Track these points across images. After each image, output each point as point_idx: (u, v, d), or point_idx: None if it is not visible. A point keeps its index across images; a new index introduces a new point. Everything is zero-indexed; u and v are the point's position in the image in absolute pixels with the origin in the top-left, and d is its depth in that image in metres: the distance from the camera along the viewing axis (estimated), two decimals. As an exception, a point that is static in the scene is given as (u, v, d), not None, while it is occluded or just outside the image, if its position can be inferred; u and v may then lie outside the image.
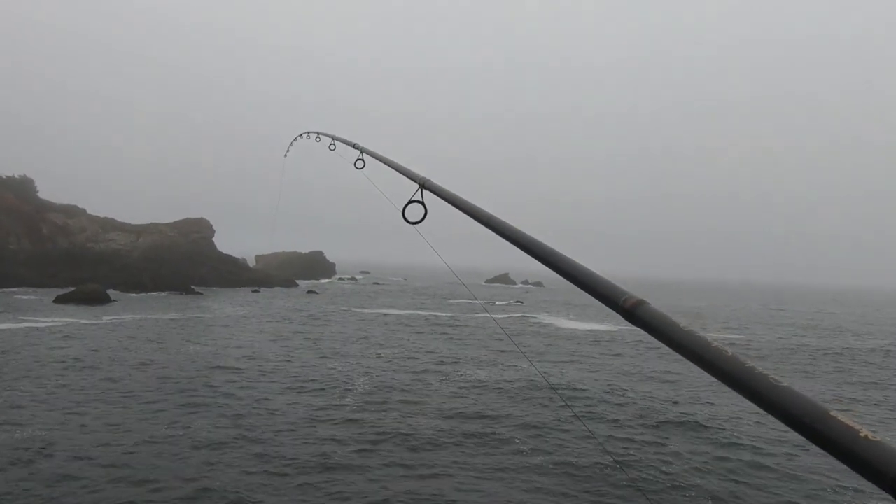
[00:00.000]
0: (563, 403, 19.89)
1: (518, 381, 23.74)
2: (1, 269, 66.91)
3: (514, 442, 16.16)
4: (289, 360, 27.34)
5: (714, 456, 15.66)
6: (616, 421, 18.68)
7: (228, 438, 15.59)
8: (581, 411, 19.63)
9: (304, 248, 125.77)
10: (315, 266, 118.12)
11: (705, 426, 18.22)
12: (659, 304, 1.34)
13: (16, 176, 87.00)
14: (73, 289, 54.99)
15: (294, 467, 13.77)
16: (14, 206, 79.10)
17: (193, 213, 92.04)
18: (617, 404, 20.73)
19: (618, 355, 33.55)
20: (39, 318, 40.60)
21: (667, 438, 16.97)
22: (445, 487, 12.96)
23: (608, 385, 23.98)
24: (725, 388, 0.98)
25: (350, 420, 17.72)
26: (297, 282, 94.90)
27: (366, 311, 57.14)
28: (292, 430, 16.48)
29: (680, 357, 1.23)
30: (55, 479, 12.51)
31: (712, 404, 21.18)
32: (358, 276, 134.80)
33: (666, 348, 1.25)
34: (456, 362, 28.52)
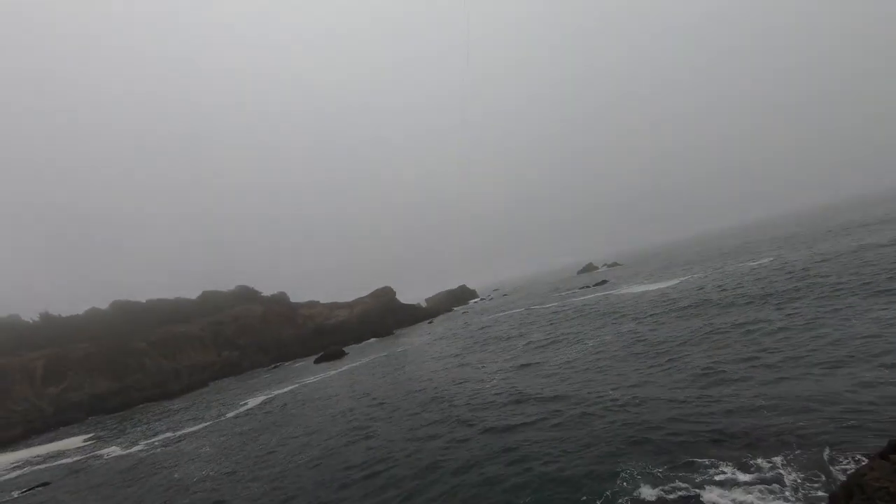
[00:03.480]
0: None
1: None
2: (284, 350, 74.48)
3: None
4: (462, 364, 28.44)
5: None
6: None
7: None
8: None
9: (454, 284, 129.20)
10: (463, 295, 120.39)
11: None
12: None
13: (277, 293, 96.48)
14: (322, 353, 60.04)
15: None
16: (281, 311, 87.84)
17: (383, 280, 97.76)
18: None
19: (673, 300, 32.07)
20: (308, 377, 44.47)
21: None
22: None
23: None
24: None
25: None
26: (454, 308, 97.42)
27: (501, 314, 56.94)
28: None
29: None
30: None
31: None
32: (493, 294, 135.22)
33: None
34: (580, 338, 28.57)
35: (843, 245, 38.18)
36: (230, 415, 32.47)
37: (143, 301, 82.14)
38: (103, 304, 79.62)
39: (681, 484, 9.04)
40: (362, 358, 48.73)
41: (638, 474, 9.70)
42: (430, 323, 77.59)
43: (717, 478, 8.95)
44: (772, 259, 41.48)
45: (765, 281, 29.32)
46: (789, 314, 19.46)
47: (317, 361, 56.74)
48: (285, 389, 38.57)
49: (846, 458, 8.47)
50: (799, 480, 8.30)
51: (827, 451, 8.81)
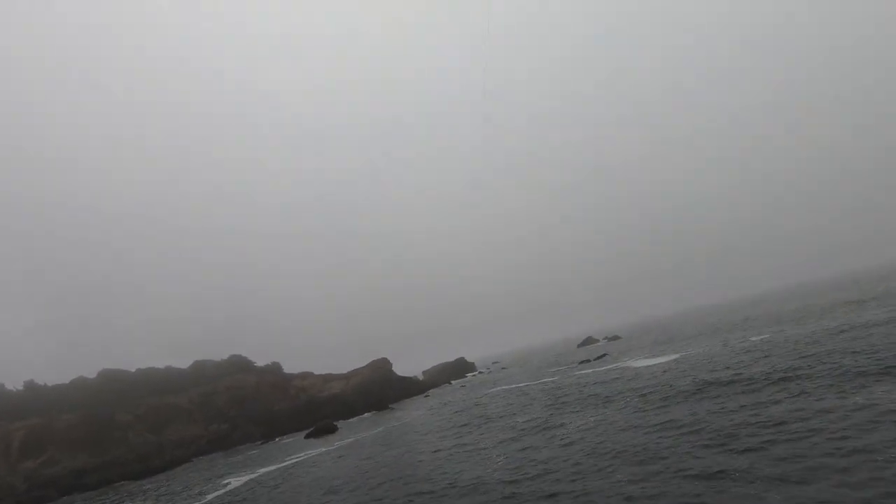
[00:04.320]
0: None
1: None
2: (276, 423, 71.38)
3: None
4: (460, 437, 27.11)
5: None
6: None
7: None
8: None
9: (452, 354, 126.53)
10: (461, 368, 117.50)
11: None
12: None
13: (270, 363, 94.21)
14: (312, 428, 57.49)
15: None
16: (274, 382, 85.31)
17: (379, 352, 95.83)
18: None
19: (665, 371, 31.04)
20: (296, 454, 42.24)
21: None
22: None
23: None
24: None
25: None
26: (451, 381, 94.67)
27: (500, 388, 55.14)
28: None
29: None
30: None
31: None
32: (491, 367, 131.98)
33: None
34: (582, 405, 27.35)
35: (851, 320, 37.58)
36: (210, 496, 30.35)
37: (133, 370, 79.95)
38: (92, 373, 77.39)
39: None
40: (355, 434, 46.57)
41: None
42: (426, 397, 75.03)
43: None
44: (769, 335, 40.70)
45: (767, 360, 28.50)
46: (796, 407, 18.62)
47: (307, 436, 54.21)
48: (271, 468, 36.46)
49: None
50: None
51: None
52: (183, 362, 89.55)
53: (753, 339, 41.89)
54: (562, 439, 21.77)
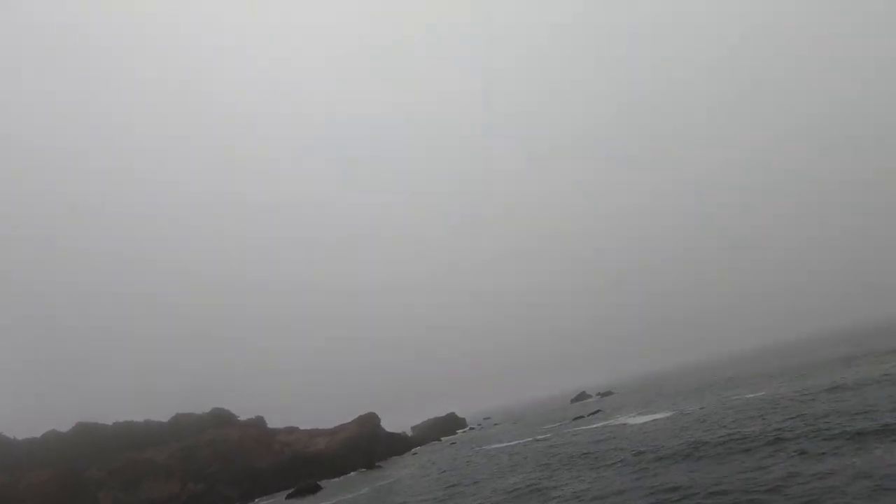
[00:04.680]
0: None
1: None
2: (257, 480, 68.06)
3: None
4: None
5: None
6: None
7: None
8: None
9: (442, 408, 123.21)
10: (451, 423, 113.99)
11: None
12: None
13: (254, 417, 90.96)
14: (294, 488, 54.89)
15: None
16: (257, 437, 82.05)
17: (367, 405, 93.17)
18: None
19: (660, 428, 30.27)
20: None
21: None
22: None
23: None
24: None
25: None
26: (442, 438, 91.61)
27: (492, 446, 53.40)
28: None
29: None
30: None
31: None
32: (482, 423, 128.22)
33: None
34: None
35: (843, 378, 37.33)
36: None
37: (110, 424, 76.77)
38: (66, 426, 74.14)
39: None
40: (339, 494, 44.55)
41: None
42: (413, 454, 72.40)
43: None
44: (763, 393, 40.24)
45: (762, 419, 28.04)
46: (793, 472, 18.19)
47: (289, 497, 51.67)
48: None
49: None
50: None
51: None
52: (163, 415, 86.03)
53: (747, 396, 41.41)
54: (556, 502, 20.91)
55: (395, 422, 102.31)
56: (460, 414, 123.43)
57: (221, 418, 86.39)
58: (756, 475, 17.44)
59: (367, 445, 77.64)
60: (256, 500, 60.60)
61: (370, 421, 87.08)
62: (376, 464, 67.34)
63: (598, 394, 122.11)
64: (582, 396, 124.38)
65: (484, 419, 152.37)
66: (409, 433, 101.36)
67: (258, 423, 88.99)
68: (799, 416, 25.92)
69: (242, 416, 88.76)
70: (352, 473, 64.70)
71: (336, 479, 61.74)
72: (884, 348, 56.48)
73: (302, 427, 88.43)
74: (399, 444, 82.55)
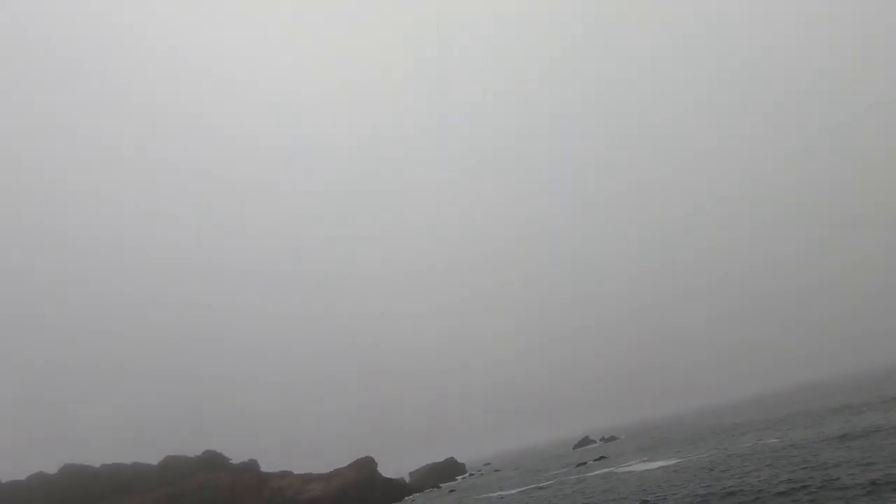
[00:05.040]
0: None
1: None
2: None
3: None
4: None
5: None
6: None
7: None
8: None
9: (440, 455, 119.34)
10: (450, 469, 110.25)
11: None
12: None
13: (247, 461, 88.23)
14: (289, 536, 52.50)
15: None
16: (249, 482, 79.43)
17: (364, 449, 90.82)
18: None
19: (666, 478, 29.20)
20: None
21: None
22: None
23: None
24: None
25: None
26: (441, 485, 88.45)
27: (494, 494, 51.49)
28: None
29: None
30: None
31: None
32: (483, 469, 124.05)
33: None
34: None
35: (852, 426, 36.46)
36: None
37: (98, 466, 74.38)
38: (53, 468, 71.80)
39: None
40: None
41: None
42: (412, 502, 69.73)
43: None
44: (770, 441, 39.21)
45: (769, 468, 27.21)
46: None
47: (281, 548, 49.27)
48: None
49: None
50: None
51: None
52: (153, 457, 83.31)
53: (754, 444, 40.35)
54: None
55: (394, 466, 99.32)
56: (459, 459, 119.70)
57: (212, 462, 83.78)
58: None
59: (363, 492, 74.95)
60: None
61: (367, 466, 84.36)
62: (372, 512, 64.77)
63: (602, 439, 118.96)
64: (585, 442, 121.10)
65: (484, 465, 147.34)
66: (407, 479, 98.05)
67: (251, 466, 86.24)
68: (808, 466, 25.17)
69: (235, 459, 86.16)
70: (346, 522, 62.09)
71: (330, 528, 59.14)
72: (892, 394, 55.45)
73: (296, 472, 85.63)
74: (396, 491, 79.65)
